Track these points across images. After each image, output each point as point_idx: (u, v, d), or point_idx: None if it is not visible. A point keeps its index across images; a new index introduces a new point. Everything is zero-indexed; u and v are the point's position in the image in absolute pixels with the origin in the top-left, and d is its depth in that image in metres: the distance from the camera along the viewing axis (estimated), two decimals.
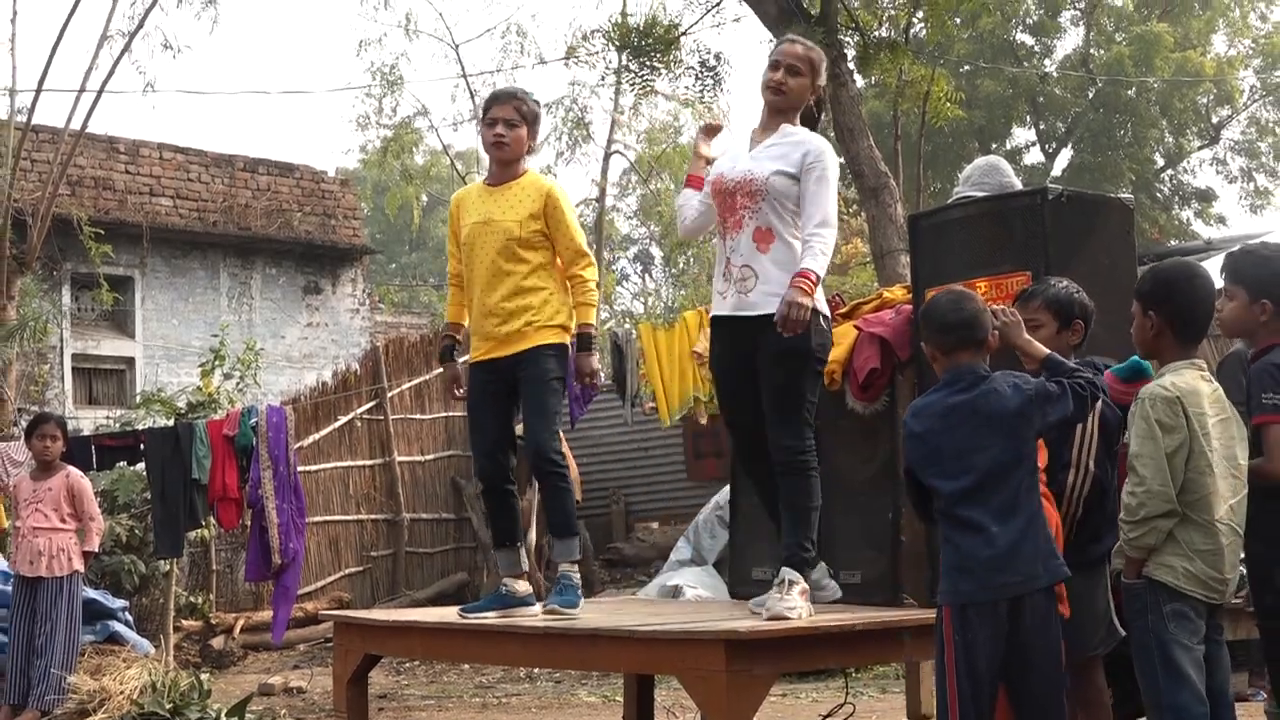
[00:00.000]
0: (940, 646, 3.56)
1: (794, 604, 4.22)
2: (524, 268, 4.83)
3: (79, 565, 7.50)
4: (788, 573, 4.32)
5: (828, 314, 4.62)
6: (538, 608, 4.93)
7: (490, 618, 4.79)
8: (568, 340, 4.92)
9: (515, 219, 4.83)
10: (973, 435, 3.54)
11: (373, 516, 13.18)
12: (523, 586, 4.91)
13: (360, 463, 13.11)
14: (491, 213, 4.88)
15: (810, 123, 4.73)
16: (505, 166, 4.95)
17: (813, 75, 4.64)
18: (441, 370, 5.25)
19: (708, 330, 11.04)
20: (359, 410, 13.10)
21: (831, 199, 4.52)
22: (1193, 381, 3.61)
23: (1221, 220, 27.55)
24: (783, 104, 4.62)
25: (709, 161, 4.84)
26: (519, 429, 5.01)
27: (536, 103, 5.08)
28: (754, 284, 4.47)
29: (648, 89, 14.82)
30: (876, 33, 12.64)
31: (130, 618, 9.30)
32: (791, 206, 4.48)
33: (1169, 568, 3.53)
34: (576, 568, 4.84)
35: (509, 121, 4.88)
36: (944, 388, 3.64)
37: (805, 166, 4.47)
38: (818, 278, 4.37)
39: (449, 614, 5.19)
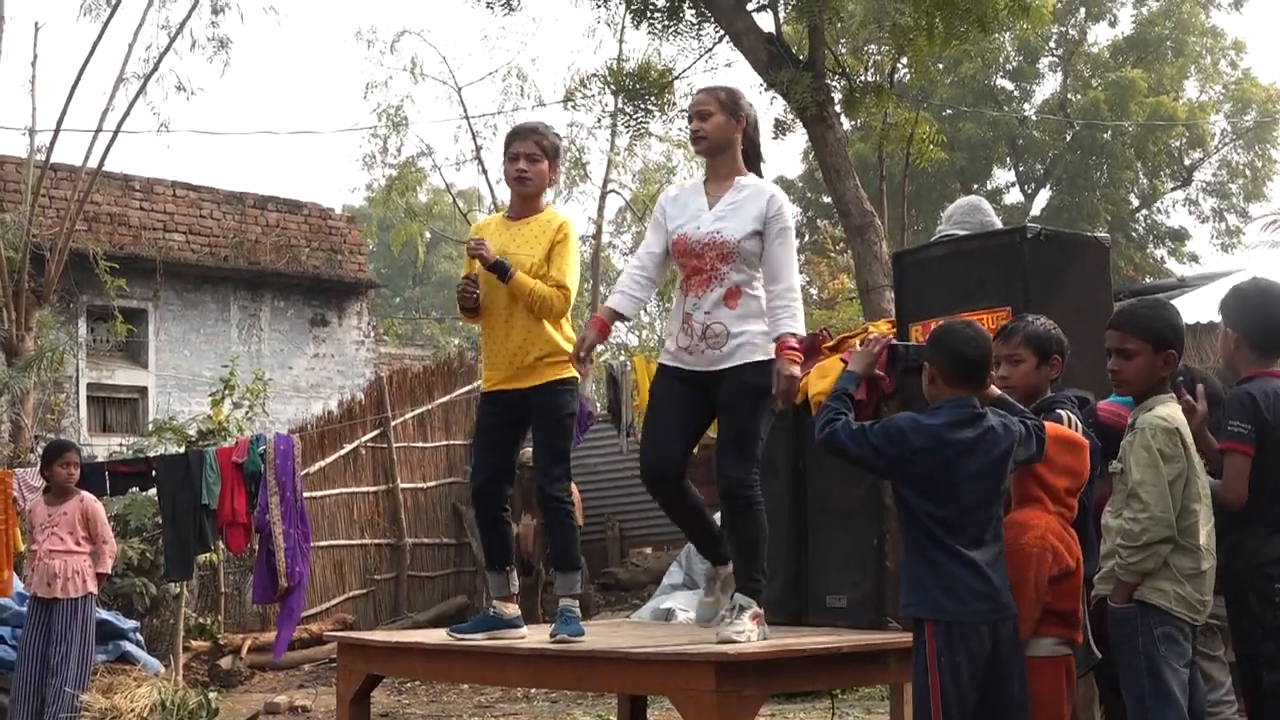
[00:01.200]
0: (923, 664, 3.56)
1: (743, 628, 4.26)
2: None
3: (93, 587, 7.52)
4: (740, 599, 4.38)
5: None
6: (525, 630, 4.98)
7: (479, 639, 4.83)
8: (574, 371, 4.87)
9: (530, 255, 4.78)
10: (966, 471, 3.58)
11: (376, 541, 13.26)
12: (511, 609, 4.92)
13: (364, 489, 13.19)
14: (508, 246, 4.82)
15: (754, 159, 4.64)
16: (526, 201, 4.92)
17: (725, 110, 4.52)
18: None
19: None
20: (364, 438, 13.17)
21: (793, 254, 4.51)
22: (1179, 414, 3.70)
23: (1194, 258, 27.88)
24: (709, 148, 4.56)
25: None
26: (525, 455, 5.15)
27: (557, 136, 5.02)
28: (725, 340, 4.44)
29: (642, 131, 15.02)
30: (862, 78, 12.70)
31: (141, 638, 9.40)
32: (757, 262, 4.48)
33: (1161, 591, 3.58)
34: (577, 602, 4.80)
35: (531, 156, 4.84)
36: (945, 417, 3.63)
37: (768, 219, 4.45)
38: (800, 340, 4.42)
39: (447, 635, 5.18)
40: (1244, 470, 3.82)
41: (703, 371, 4.51)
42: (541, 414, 4.81)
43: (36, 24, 13.92)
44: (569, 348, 4.76)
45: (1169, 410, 3.66)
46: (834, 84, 11.91)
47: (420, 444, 13.77)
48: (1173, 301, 8.11)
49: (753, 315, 4.46)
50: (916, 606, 3.61)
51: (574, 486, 11.90)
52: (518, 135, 4.94)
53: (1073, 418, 3.91)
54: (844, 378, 3.86)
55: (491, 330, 4.90)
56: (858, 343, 4.00)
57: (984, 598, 3.55)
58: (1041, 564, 3.69)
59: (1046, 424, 3.82)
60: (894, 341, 4.01)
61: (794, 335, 4.38)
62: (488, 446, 4.95)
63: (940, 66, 22.41)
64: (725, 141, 4.55)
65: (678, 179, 20.02)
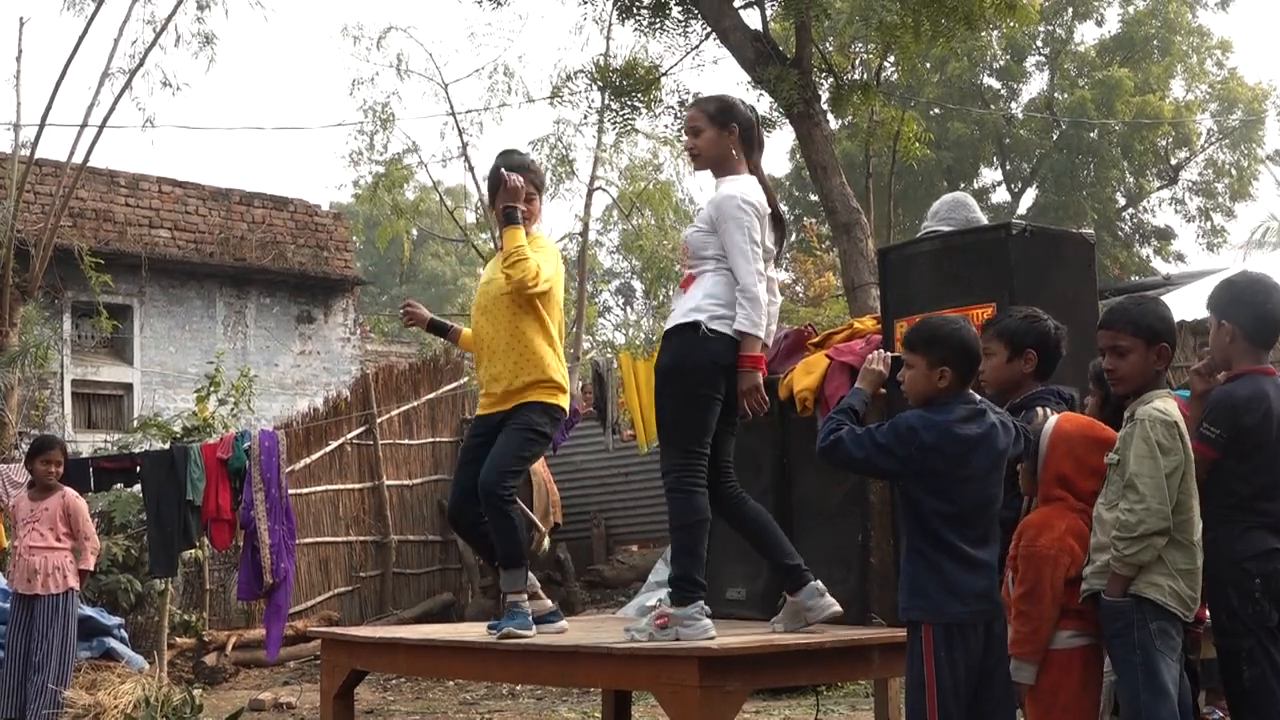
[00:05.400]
0: (919, 664, 3.56)
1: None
2: (515, 324, 4.93)
3: (74, 583, 7.49)
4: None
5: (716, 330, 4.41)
6: (564, 623, 5.02)
7: (531, 633, 4.79)
8: (561, 401, 4.96)
9: (495, 274, 4.96)
10: (975, 467, 3.61)
11: (361, 538, 13.26)
12: (545, 604, 4.97)
13: (350, 486, 13.19)
14: (492, 274, 5.03)
15: (757, 150, 4.63)
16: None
17: (715, 123, 4.53)
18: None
19: None
20: (349, 435, 13.17)
21: (736, 247, 4.37)
22: (1176, 408, 3.66)
23: (1180, 257, 28.01)
24: (704, 164, 4.61)
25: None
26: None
27: (538, 170, 5.20)
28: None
29: (629, 128, 15.00)
30: (849, 75, 12.87)
31: (126, 635, 9.34)
32: (704, 254, 4.45)
33: (1157, 586, 3.55)
34: (524, 596, 4.81)
35: (528, 196, 4.98)
36: (956, 413, 3.63)
37: (714, 220, 4.44)
38: (755, 345, 4.35)
39: (432, 631, 5.24)
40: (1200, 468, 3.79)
41: None
42: (512, 423, 4.89)
43: (21, 19, 13.89)
44: (560, 378, 4.94)
45: (1166, 404, 3.63)
46: (821, 81, 11.96)
47: (406, 441, 13.76)
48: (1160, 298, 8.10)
49: (691, 296, 4.44)
50: (917, 610, 3.61)
51: (554, 488, 11.76)
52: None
53: (1049, 414, 3.83)
54: (853, 394, 3.83)
55: (481, 359, 5.05)
56: (866, 360, 3.98)
57: (983, 597, 3.59)
58: (1057, 567, 3.64)
59: (1075, 417, 3.79)
60: (900, 355, 3.98)
61: (747, 337, 4.30)
62: (464, 466, 5.08)
63: (927, 65, 22.54)
64: (719, 154, 4.55)
65: (664, 176, 20.06)
